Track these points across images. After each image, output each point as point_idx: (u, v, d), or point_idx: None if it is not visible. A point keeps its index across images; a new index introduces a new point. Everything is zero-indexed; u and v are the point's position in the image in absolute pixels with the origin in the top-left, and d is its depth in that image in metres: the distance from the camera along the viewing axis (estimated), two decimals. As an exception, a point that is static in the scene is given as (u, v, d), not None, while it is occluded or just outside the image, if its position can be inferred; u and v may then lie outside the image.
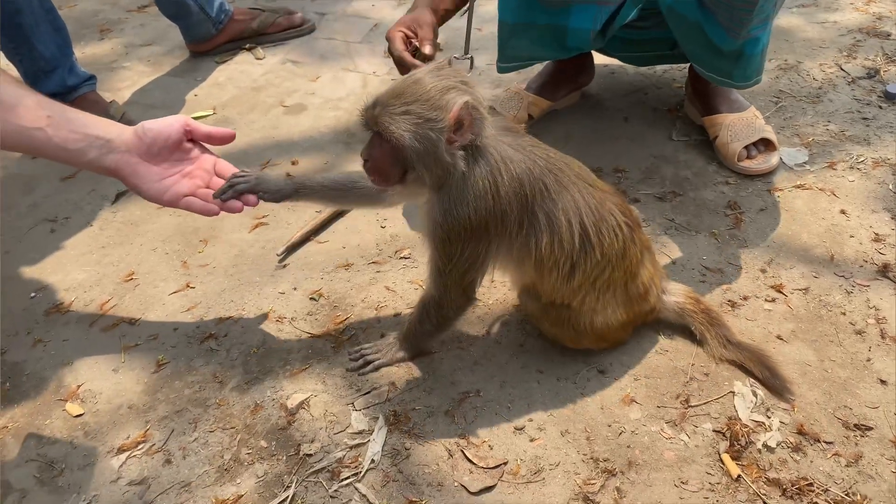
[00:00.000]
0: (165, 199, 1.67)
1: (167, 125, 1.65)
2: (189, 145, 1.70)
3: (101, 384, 1.79)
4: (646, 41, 2.41)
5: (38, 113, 1.54)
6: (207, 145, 1.75)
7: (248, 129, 2.73)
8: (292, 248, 2.17)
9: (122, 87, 3.04)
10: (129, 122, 2.56)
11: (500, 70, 2.38)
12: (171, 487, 1.55)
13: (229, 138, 1.72)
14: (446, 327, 1.76)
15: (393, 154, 1.46)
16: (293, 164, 2.53)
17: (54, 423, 1.70)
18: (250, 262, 2.13)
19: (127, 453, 1.62)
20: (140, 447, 1.64)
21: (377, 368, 1.77)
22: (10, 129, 1.51)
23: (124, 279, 2.09)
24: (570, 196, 1.54)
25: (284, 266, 2.11)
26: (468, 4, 1.61)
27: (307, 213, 2.28)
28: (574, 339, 1.73)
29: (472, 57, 1.62)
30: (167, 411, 1.71)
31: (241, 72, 3.13)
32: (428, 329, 1.73)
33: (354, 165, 2.49)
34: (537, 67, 2.91)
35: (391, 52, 2.00)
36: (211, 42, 3.21)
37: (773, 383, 1.68)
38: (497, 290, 1.97)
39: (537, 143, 1.58)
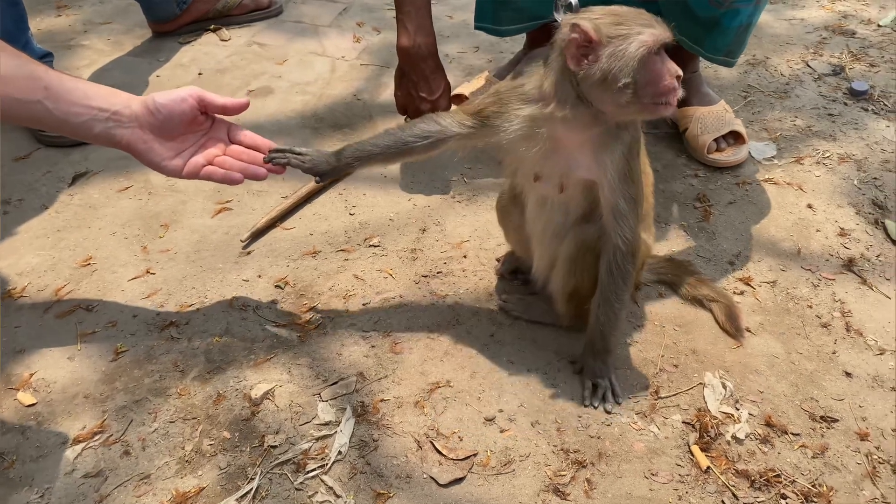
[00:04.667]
0: (184, 173, 1.61)
1: (180, 101, 1.56)
2: (202, 117, 1.63)
3: (55, 372, 1.71)
4: None
5: (33, 84, 1.44)
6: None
7: (212, 112, 2.66)
8: (257, 235, 2.11)
9: (80, 65, 2.92)
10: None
11: (500, 34, 2.36)
12: (130, 480, 1.49)
13: (243, 107, 1.64)
14: (632, 286, 1.67)
15: None
16: (259, 148, 2.47)
17: (5, 413, 1.63)
18: (213, 248, 2.07)
19: (83, 444, 1.56)
20: (96, 438, 1.57)
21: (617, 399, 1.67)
22: (6, 102, 1.41)
23: (81, 264, 2.01)
24: None
25: (249, 253, 2.06)
26: None
27: (273, 199, 2.23)
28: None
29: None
30: (125, 401, 1.65)
31: (205, 53, 3.04)
32: (625, 300, 1.63)
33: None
34: (507, 55, 2.90)
35: None
36: (174, 22, 3.11)
37: (728, 326, 1.80)
38: (468, 279, 1.94)
39: None
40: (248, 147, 1.69)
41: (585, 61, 1.37)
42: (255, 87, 2.81)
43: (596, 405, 1.63)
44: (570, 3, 1.50)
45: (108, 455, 1.54)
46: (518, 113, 1.52)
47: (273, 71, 2.92)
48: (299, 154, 1.68)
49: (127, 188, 2.28)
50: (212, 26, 3.20)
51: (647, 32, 1.35)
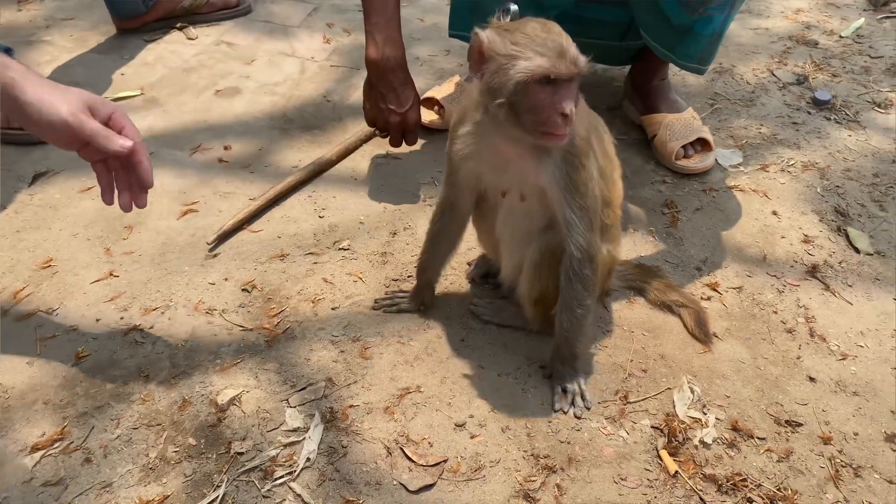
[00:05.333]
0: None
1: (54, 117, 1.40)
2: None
3: (13, 378, 1.66)
4: (599, 22, 2.38)
5: None
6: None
7: (178, 112, 2.61)
8: (224, 237, 2.07)
9: (42, 62, 2.85)
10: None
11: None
12: (91, 488, 1.45)
13: (124, 151, 1.47)
14: (595, 293, 1.65)
15: (576, 93, 1.40)
16: (226, 149, 2.43)
17: (-40, 420, 1.58)
18: (178, 250, 2.03)
19: (41, 452, 1.51)
20: (56, 445, 1.53)
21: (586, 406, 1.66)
22: None
23: (41, 266, 1.96)
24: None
25: (215, 255, 2.02)
26: None
27: (240, 201, 2.20)
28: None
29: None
30: (87, 407, 1.61)
31: (171, 52, 2.99)
32: (588, 305, 1.61)
33: (290, 152, 2.42)
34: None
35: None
36: (140, 19, 3.05)
37: (697, 331, 1.82)
38: (438, 283, 1.93)
39: None
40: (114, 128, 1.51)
41: (480, 71, 1.40)
42: (223, 86, 2.77)
43: (566, 410, 1.64)
44: (509, 8, 1.50)
45: (69, 463, 1.50)
46: (461, 132, 1.57)
47: (241, 71, 2.88)
48: (402, 299, 1.88)
49: (89, 188, 2.23)
50: (178, 24, 3.14)
51: (536, 61, 1.33)
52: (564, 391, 1.66)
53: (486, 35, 1.38)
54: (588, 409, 1.64)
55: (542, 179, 1.50)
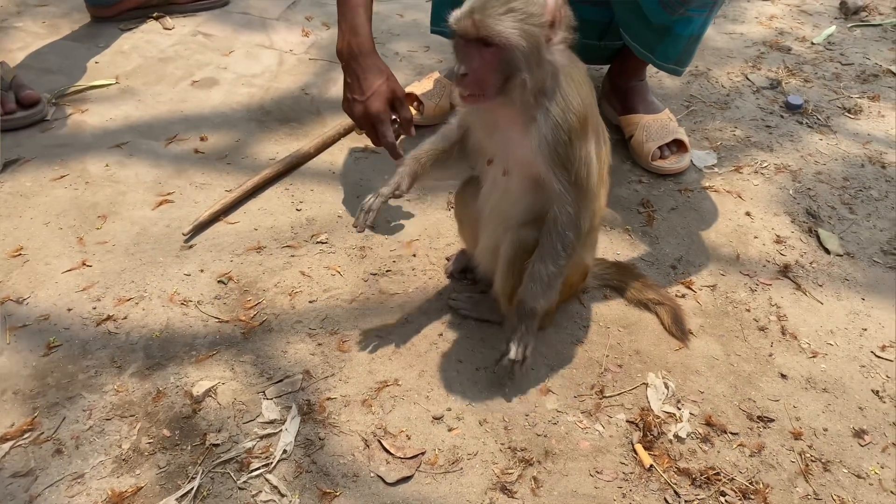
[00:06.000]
0: None
1: None
2: None
3: (-19, 367, 1.63)
4: (579, 21, 2.37)
5: None
6: None
7: (153, 102, 2.57)
8: (200, 228, 2.05)
9: (13, 48, 2.80)
10: (21, 86, 2.38)
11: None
12: (62, 479, 1.43)
13: None
14: (574, 256, 1.61)
15: (497, 60, 1.37)
16: (202, 139, 2.41)
17: (-74, 410, 1.54)
18: (153, 241, 2.00)
19: (11, 442, 1.48)
20: (26, 436, 1.50)
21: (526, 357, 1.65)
22: None
23: (11, 254, 1.92)
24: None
25: (191, 246, 2.00)
26: None
27: (216, 192, 2.17)
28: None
29: None
30: (58, 397, 1.58)
31: (147, 41, 2.95)
32: (562, 266, 1.57)
33: (267, 144, 2.40)
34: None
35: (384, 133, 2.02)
36: (115, 7, 3.00)
37: (673, 329, 1.85)
38: (417, 278, 1.93)
39: None
40: None
41: None
42: (200, 77, 2.74)
43: (503, 377, 1.67)
44: None
45: (39, 453, 1.47)
46: None
47: (218, 62, 2.85)
48: (371, 200, 1.64)
49: (62, 177, 2.19)
50: (154, 14, 3.10)
51: (456, 13, 1.37)
52: (507, 351, 1.63)
53: None
54: (523, 371, 1.64)
55: (526, 150, 1.49)
